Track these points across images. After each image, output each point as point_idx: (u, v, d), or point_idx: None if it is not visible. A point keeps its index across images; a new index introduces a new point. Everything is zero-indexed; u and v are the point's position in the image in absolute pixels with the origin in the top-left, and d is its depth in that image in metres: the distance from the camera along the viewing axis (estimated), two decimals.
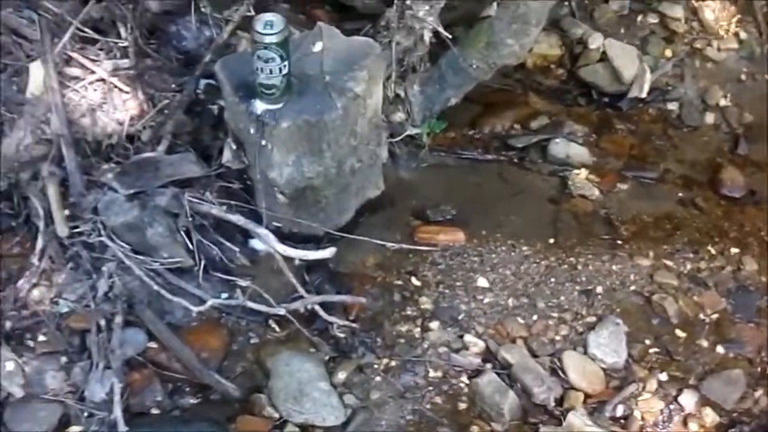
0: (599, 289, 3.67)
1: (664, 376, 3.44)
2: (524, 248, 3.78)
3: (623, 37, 4.56)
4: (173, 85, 3.67)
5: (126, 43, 3.60)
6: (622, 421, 3.31)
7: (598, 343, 3.47)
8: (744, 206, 4.09)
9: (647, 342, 3.54)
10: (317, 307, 3.29)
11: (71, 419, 3.08)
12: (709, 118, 4.47)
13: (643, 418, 3.31)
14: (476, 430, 3.24)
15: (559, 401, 3.33)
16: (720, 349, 3.55)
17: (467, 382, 3.36)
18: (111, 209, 3.26)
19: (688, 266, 3.80)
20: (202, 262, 3.36)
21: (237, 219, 3.38)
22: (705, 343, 3.57)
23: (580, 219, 3.94)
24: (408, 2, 3.59)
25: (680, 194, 4.11)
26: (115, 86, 3.52)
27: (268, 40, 2.98)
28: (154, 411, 3.17)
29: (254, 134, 3.22)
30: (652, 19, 4.67)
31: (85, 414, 3.07)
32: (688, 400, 3.36)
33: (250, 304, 3.27)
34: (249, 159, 3.38)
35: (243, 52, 3.58)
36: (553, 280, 3.69)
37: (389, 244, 3.56)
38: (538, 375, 3.34)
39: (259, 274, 3.45)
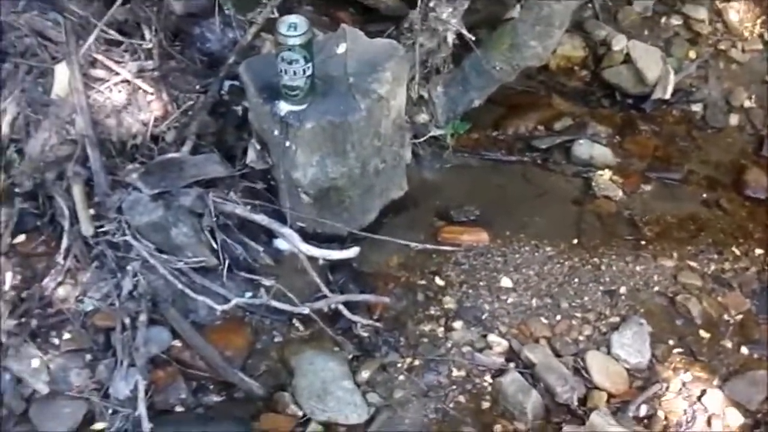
0: (623, 290, 3.66)
1: (687, 377, 3.43)
2: (548, 249, 3.78)
3: (647, 38, 4.56)
4: (197, 87, 3.69)
5: (150, 45, 3.64)
6: (645, 421, 3.31)
7: (622, 344, 3.46)
8: None
9: (671, 342, 3.53)
10: (341, 307, 3.31)
11: (96, 416, 3.11)
12: (734, 119, 4.45)
13: (666, 418, 3.31)
14: (499, 429, 3.24)
15: (582, 401, 3.32)
16: (744, 350, 3.54)
17: (490, 381, 3.36)
18: (135, 209, 3.27)
19: (712, 267, 3.79)
20: (227, 262, 3.37)
21: (261, 219, 3.39)
22: (729, 344, 3.56)
23: (604, 220, 3.94)
24: (431, 4, 3.61)
25: (704, 195, 4.10)
26: (140, 87, 3.55)
27: (291, 42, 2.99)
28: (178, 408, 3.19)
29: (278, 135, 3.23)
30: (676, 20, 4.66)
31: (110, 411, 3.11)
32: (712, 400, 3.35)
33: (274, 303, 3.29)
34: (273, 159, 3.39)
35: (267, 54, 3.60)
36: (576, 280, 3.69)
37: (413, 244, 3.57)
38: (561, 374, 3.34)
39: (283, 274, 3.45)
